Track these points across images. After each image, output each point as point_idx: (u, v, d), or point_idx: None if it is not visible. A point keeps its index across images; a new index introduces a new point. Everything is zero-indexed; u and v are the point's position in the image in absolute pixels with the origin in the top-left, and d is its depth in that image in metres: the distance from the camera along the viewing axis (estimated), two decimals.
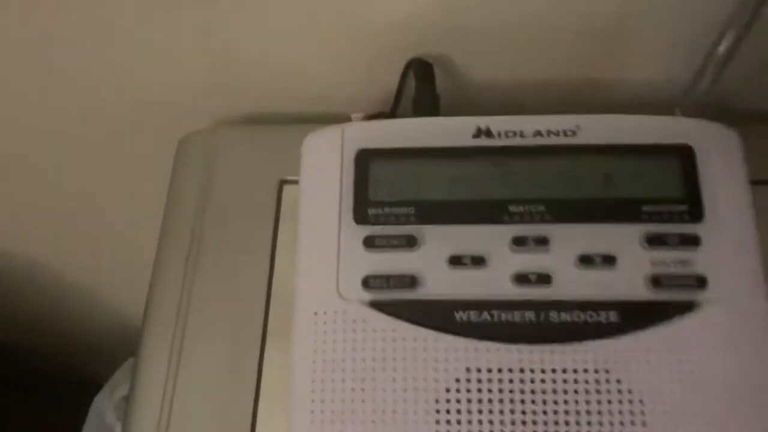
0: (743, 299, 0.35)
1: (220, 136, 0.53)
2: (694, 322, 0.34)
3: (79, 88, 0.55)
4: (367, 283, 0.36)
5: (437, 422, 0.33)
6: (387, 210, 0.37)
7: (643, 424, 0.33)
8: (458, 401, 0.33)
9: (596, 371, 0.34)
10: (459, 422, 0.33)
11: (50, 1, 0.47)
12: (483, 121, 0.38)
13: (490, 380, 0.34)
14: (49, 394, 0.87)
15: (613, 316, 0.34)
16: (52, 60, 0.53)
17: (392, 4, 0.46)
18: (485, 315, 0.35)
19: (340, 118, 0.42)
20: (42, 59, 0.53)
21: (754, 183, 0.38)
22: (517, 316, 0.35)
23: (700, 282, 0.35)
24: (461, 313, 0.35)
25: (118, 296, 0.84)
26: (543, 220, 0.36)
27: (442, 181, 0.37)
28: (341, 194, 0.38)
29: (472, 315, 0.35)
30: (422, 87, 0.46)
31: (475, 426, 0.33)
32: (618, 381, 0.33)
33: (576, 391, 0.33)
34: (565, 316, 0.35)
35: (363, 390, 0.34)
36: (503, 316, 0.35)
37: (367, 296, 0.36)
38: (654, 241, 0.35)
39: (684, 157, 0.37)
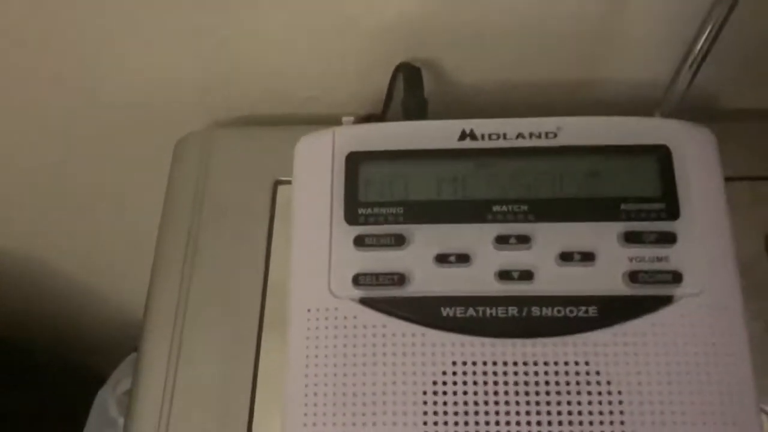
0: (718, 293, 0.36)
1: (216, 137, 0.54)
2: (670, 315, 0.35)
3: (78, 90, 0.56)
4: (357, 280, 0.37)
5: (425, 413, 0.34)
6: (376, 210, 0.38)
7: (621, 413, 0.34)
8: (445, 393, 0.35)
9: (576, 363, 0.35)
10: (446, 413, 0.34)
11: (49, 4, 0.48)
12: (468, 125, 0.39)
13: (475, 373, 0.35)
14: (53, 389, 0.87)
15: (592, 311, 0.35)
16: (51, 62, 0.53)
17: (382, 10, 0.46)
18: (470, 311, 0.36)
19: (333, 119, 0.43)
20: (42, 60, 0.53)
21: (731, 179, 0.39)
22: (500, 311, 0.36)
23: (676, 277, 0.36)
24: (447, 308, 0.36)
25: (119, 292, 0.85)
26: (525, 219, 0.37)
27: (429, 182, 0.38)
28: (332, 195, 0.39)
29: (458, 311, 0.36)
30: (410, 91, 0.47)
31: (461, 417, 0.34)
32: (597, 373, 0.35)
33: (557, 383, 0.34)
34: (547, 311, 0.36)
35: (354, 383, 0.35)
36: (488, 312, 0.36)
37: (358, 293, 0.37)
38: (632, 238, 0.36)
39: (661, 157, 0.38)
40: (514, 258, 0.37)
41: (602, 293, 0.36)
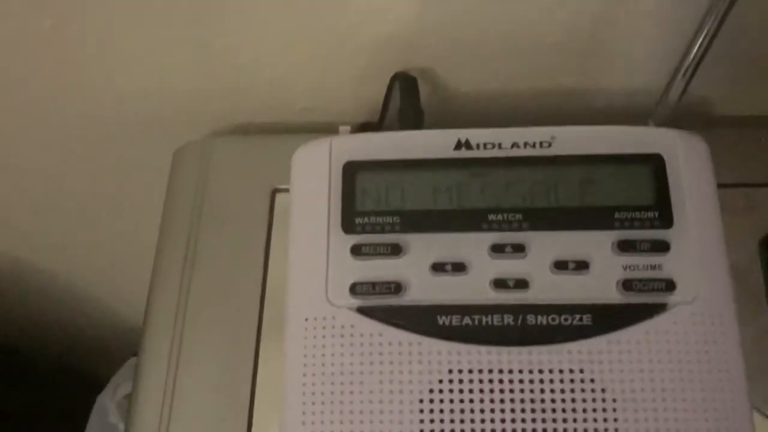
0: (711, 301, 0.36)
1: (215, 146, 0.54)
2: (663, 323, 0.36)
3: (78, 99, 0.56)
4: (354, 289, 0.37)
5: (421, 421, 0.35)
6: (373, 219, 0.38)
7: (615, 420, 0.34)
8: (441, 401, 0.35)
9: (571, 371, 0.35)
10: (442, 421, 0.35)
11: (49, 14, 0.48)
12: (463, 134, 0.39)
13: (471, 381, 0.35)
14: (53, 393, 0.88)
15: (586, 319, 0.36)
16: (51, 72, 0.54)
17: (378, 20, 0.47)
18: (466, 319, 0.36)
19: (330, 128, 0.43)
20: (42, 71, 0.54)
21: (724, 186, 0.39)
22: (496, 319, 0.36)
23: (669, 285, 0.36)
24: (443, 317, 0.36)
25: (119, 298, 0.85)
26: (520, 228, 0.37)
27: (425, 192, 0.39)
28: (329, 204, 0.39)
29: (454, 319, 0.36)
30: (406, 100, 0.47)
31: (457, 425, 0.34)
32: (592, 380, 0.35)
33: (552, 390, 0.35)
34: (542, 319, 0.36)
35: (351, 392, 0.35)
36: (483, 320, 0.36)
37: (355, 302, 0.37)
38: (625, 246, 0.37)
39: (654, 165, 0.38)
40: (509, 267, 0.37)
41: (596, 301, 0.36)
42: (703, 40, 0.40)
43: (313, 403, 0.36)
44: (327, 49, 0.50)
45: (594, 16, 0.46)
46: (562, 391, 0.35)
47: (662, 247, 0.37)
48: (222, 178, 0.53)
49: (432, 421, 0.35)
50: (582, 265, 0.37)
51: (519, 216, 0.38)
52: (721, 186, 0.39)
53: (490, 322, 0.36)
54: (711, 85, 0.48)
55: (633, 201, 0.38)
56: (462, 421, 0.35)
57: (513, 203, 0.38)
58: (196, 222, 0.51)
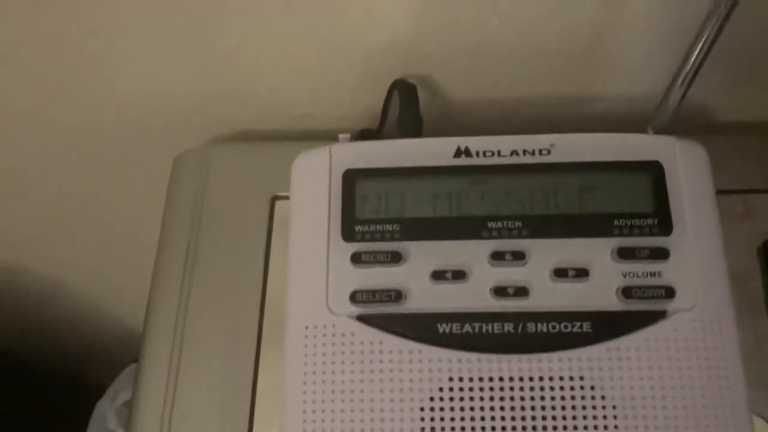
0: (710, 308, 0.36)
1: (214, 153, 0.54)
2: (663, 330, 0.36)
3: (78, 107, 0.57)
4: (354, 297, 0.37)
5: (422, 429, 0.35)
6: (373, 227, 0.38)
7: (615, 428, 0.34)
8: (442, 409, 0.35)
9: (571, 379, 0.35)
10: (443, 429, 0.35)
11: (49, 22, 0.49)
12: (462, 142, 0.39)
13: (471, 389, 0.35)
14: (52, 399, 0.88)
15: (586, 326, 0.36)
16: (51, 80, 0.54)
17: (378, 28, 0.47)
18: (467, 327, 0.36)
19: (330, 134, 0.43)
20: (42, 78, 0.54)
21: (724, 192, 0.39)
22: (496, 327, 0.36)
23: (669, 292, 0.36)
24: (444, 325, 0.36)
25: (118, 305, 0.85)
26: (520, 236, 0.38)
27: (424, 199, 0.39)
28: (329, 212, 0.39)
29: (454, 327, 0.36)
30: (406, 108, 0.47)
31: None
32: (592, 388, 0.35)
33: (553, 398, 0.35)
34: (542, 327, 0.36)
35: (352, 400, 0.35)
36: (483, 328, 0.36)
37: (355, 310, 0.37)
38: (625, 254, 0.37)
39: (654, 173, 0.38)
40: (510, 274, 0.37)
41: (596, 309, 0.36)
42: (702, 46, 0.40)
43: (314, 411, 0.36)
44: (326, 57, 0.50)
45: (592, 23, 0.46)
46: (563, 398, 0.35)
47: (662, 254, 0.37)
48: (222, 184, 0.53)
49: (433, 429, 0.35)
50: (582, 273, 0.37)
51: (519, 223, 0.38)
52: (720, 192, 0.39)
53: (490, 330, 0.36)
54: (710, 92, 0.48)
55: (632, 208, 0.38)
56: (463, 429, 0.35)
57: (512, 211, 0.38)
58: (196, 229, 0.51)
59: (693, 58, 0.40)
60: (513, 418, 0.35)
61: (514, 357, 0.36)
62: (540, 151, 0.39)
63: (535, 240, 0.38)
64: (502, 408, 0.35)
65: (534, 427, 0.35)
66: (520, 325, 0.36)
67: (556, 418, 0.35)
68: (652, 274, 0.37)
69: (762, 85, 0.51)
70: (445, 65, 0.50)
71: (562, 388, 0.35)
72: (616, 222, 0.38)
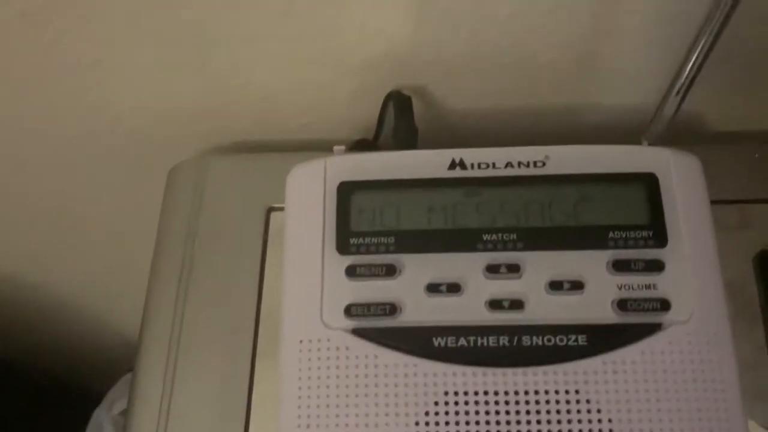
0: (706, 320, 0.36)
1: (210, 164, 0.54)
2: (659, 343, 0.36)
3: (73, 120, 0.57)
4: (349, 311, 0.37)
5: None
6: (368, 240, 0.38)
7: None
8: (437, 424, 0.35)
9: (567, 392, 0.35)
10: None
11: (43, 34, 0.49)
12: (457, 154, 0.39)
13: (467, 403, 0.35)
14: (49, 408, 0.88)
15: (581, 339, 0.36)
16: (46, 91, 0.54)
17: (373, 40, 0.47)
18: (462, 340, 0.36)
19: (325, 145, 0.43)
20: (36, 90, 0.54)
21: (719, 202, 0.39)
22: (491, 340, 0.36)
23: (664, 305, 0.36)
24: (439, 338, 0.36)
25: (115, 314, 0.85)
26: (515, 248, 0.37)
27: (419, 212, 0.39)
28: (324, 225, 0.39)
29: (449, 340, 0.36)
30: (401, 119, 0.47)
31: None
32: (587, 401, 0.35)
33: (548, 412, 0.35)
34: (537, 340, 0.36)
35: (347, 414, 0.35)
36: (479, 341, 0.36)
37: (350, 324, 0.37)
38: (620, 266, 0.37)
39: (648, 184, 0.38)
40: (505, 287, 0.37)
41: (591, 321, 0.36)
42: (697, 57, 0.40)
43: (308, 426, 0.36)
44: (322, 68, 0.50)
45: (587, 34, 0.46)
46: (558, 412, 0.35)
47: (657, 266, 0.37)
48: (217, 196, 0.53)
49: None
50: (577, 285, 0.37)
51: (513, 236, 0.38)
52: (715, 202, 0.39)
53: (485, 344, 0.36)
54: (705, 102, 0.48)
55: (627, 220, 0.38)
56: None
57: (507, 223, 0.38)
58: (191, 240, 0.51)
59: (688, 69, 0.40)
60: None
61: (509, 370, 0.35)
62: (535, 163, 0.39)
63: (530, 252, 0.37)
64: (497, 422, 0.35)
65: None
66: (516, 338, 0.36)
67: None
68: (648, 287, 0.37)
69: (757, 94, 0.51)
70: (440, 77, 0.50)
71: (557, 402, 0.35)
72: (611, 234, 0.38)
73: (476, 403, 0.35)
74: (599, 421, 0.35)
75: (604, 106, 0.52)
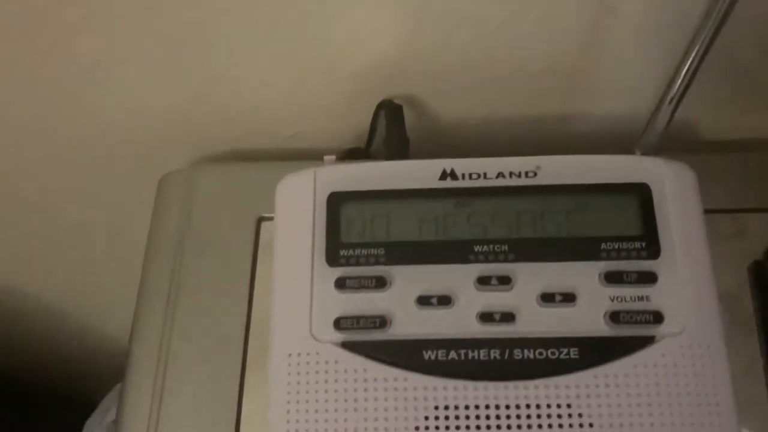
0: (699, 332, 0.36)
1: (200, 173, 0.54)
2: (652, 356, 0.35)
3: (64, 128, 0.56)
4: (339, 324, 0.36)
5: None
6: (358, 251, 0.38)
7: None
8: None
9: (558, 406, 0.34)
10: None
11: (35, 42, 0.48)
12: (448, 164, 0.39)
13: (457, 417, 0.35)
14: (41, 417, 0.88)
15: (573, 352, 0.35)
16: (36, 99, 0.54)
17: (364, 49, 0.47)
18: (452, 353, 0.36)
19: (316, 153, 0.43)
20: (27, 98, 0.54)
21: (712, 212, 0.39)
22: (482, 353, 0.35)
23: (657, 317, 0.36)
24: (429, 352, 0.36)
25: (107, 323, 0.85)
26: (506, 260, 0.37)
27: (410, 223, 0.38)
28: (314, 236, 0.38)
29: (440, 354, 0.36)
30: (392, 129, 0.47)
31: None
32: (579, 415, 0.34)
33: (540, 426, 0.34)
34: (528, 353, 0.35)
35: (336, 429, 0.35)
36: (469, 354, 0.36)
37: (339, 337, 0.36)
38: (612, 278, 0.36)
39: (641, 195, 0.38)
40: (496, 299, 0.37)
41: (584, 334, 0.36)
42: (690, 66, 0.40)
43: None
44: (313, 77, 0.50)
45: (579, 44, 0.46)
46: (550, 426, 0.34)
47: (650, 278, 0.37)
48: (207, 205, 0.52)
49: None
50: (569, 298, 0.36)
51: (505, 247, 0.37)
52: (709, 212, 0.38)
53: (476, 357, 0.36)
54: (698, 111, 0.48)
55: (620, 231, 0.37)
56: None
57: (499, 234, 0.38)
58: (181, 249, 0.51)
59: (681, 78, 0.40)
60: None
61: (501, 384, 0.35)
62: (526, 173, 0.39)
63: (521, 264, 0.37)
64: None
65: None
66: (507, 351, 0.36)
67: None
68: (640, 299, 0.36)
69: (750, 103, 0.51)
70: (432, 86, 0.49)
71: (549, 416, 0.34)
72: (603, 245, 0.37)
73: (467, 417, 0.35)
74: None
75: (595, 115, 0.51)
